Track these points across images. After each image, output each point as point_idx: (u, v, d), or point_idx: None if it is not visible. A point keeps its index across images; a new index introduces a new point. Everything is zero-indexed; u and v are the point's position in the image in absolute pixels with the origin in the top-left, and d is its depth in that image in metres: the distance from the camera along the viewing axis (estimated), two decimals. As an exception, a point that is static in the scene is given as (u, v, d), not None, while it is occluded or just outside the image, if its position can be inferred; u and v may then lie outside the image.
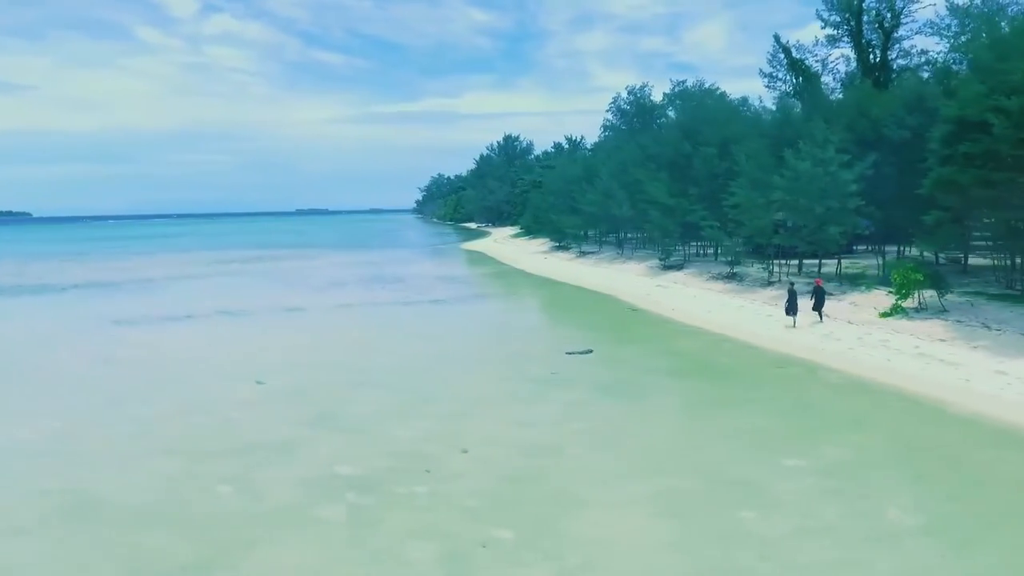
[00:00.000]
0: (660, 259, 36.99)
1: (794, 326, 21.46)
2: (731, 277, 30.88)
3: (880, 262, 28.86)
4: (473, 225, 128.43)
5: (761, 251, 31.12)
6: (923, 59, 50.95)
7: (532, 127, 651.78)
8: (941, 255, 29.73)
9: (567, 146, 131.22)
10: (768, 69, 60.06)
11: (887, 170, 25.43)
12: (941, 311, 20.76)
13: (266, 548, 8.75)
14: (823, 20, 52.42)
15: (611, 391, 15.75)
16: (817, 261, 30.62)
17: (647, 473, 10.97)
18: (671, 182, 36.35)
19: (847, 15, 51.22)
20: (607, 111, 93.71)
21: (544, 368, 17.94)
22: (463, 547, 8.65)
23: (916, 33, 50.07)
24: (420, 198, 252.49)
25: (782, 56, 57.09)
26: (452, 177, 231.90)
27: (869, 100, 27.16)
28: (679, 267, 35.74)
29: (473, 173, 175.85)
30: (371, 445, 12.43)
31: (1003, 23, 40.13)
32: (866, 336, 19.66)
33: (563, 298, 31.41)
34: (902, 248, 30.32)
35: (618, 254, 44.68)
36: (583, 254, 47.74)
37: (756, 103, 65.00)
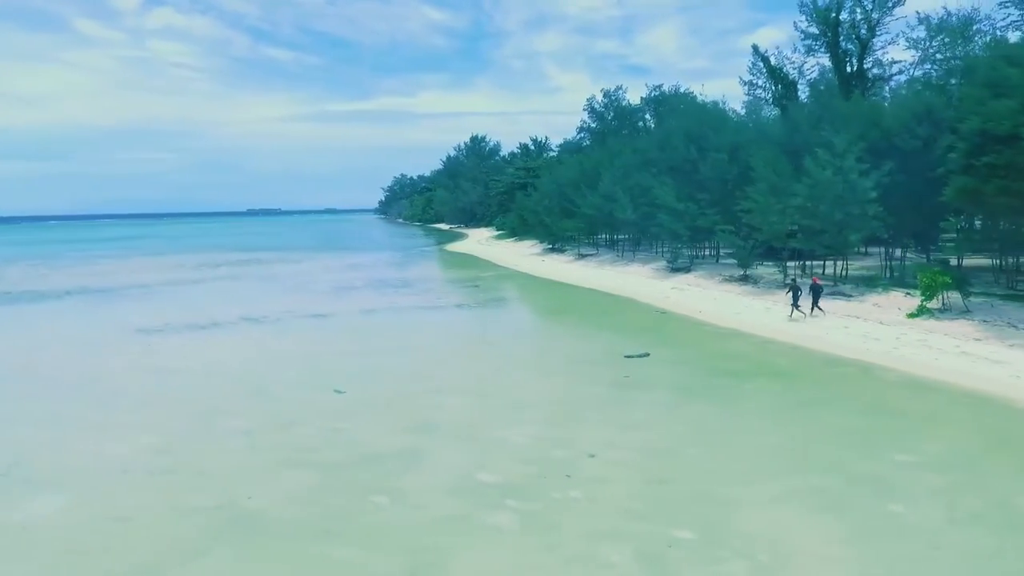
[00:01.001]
0: (668, 262, 38.00)
1: (792, 318, 24.14)
2: (744, 279, 32.07)
3: (888, 264, 30.49)
4: (445, 226, 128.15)
5: (774, 253, 32.43)
6: (897, 69, 54.03)
7: (489, 127, 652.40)
8: (932, 256, 31.86)
9: (532, 148, 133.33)
10: (748, 77, 62.46)
11: (898, 177, 26.88)
12: (964, 312, 22.18)
13: (465, 556, 9.03)
14: (802, 32, 55.01)
15: (692, 393, 16.41)
16: (820, 262, 32.27)
17: (776, 472, 11.62)
18: (677, 187, 37.37)
19: (824, 27, 53.70)
20: (584, 110, 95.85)
21: (612, 371, 18.48)
22: (651, 547, 9.12)
23: (890, 43, 52.88)
24: (383, 198, 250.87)
25: (761, 64, 59.80)
26: (415, 177, 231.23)
27: (880, 111, 28.53)
28: (686, 270, 36.80)
29: (441, 173, 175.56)
30: (496, 452, 12.74)
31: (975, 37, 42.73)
32: (903, 336, 20.88)
33: (585, 301, 31.96)
34: (904, 251, 32.03)
35: (618, 256, 45.58)
36: (582, 256, 48.47)
37: (728, 107, 67.84)
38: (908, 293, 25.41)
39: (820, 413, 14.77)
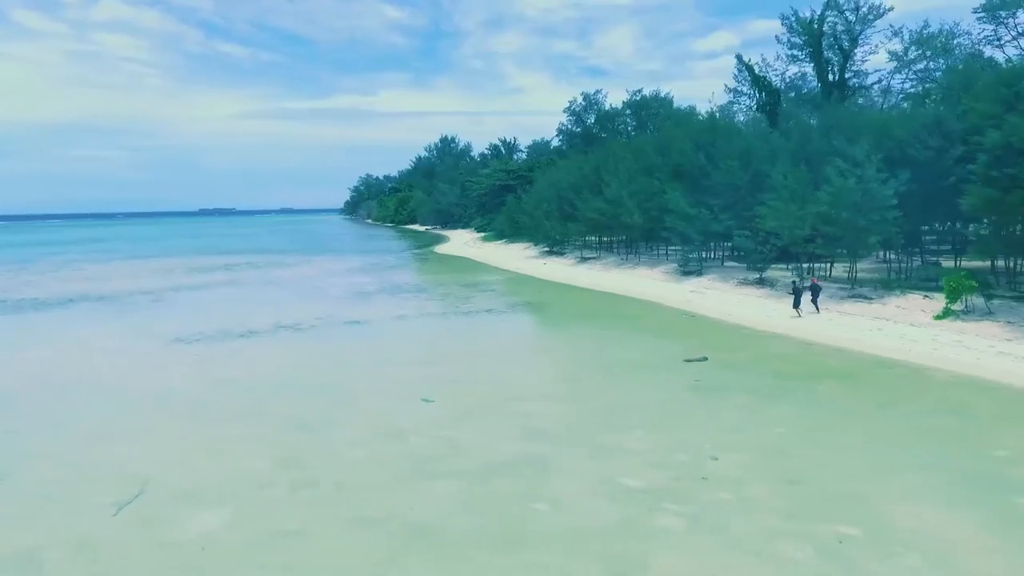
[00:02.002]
0: (680, 265, 39.09)
1: (799, 316, 26.51)
2: (761, 282, 33.33)
3: (899, 266, 32.13)
4: (420, 227, 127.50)
5: (784, 257, 33.79)
6: (876, 78, 56.63)
7: (452, 127, 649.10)
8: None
9: (503, 149, 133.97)
10: (733, 85, 64.48)
11: (911, 186, 28.41)
12: (987, 314, 23.71)
13: (659, 559, 9.53)
14: (786, 42, 57.19)
15: (770, 396, 17.23)
16: (823, 265, 33.87)
17: (893, 470, 12.46)
18: (685, 192, 38.44)
19: (808, 38, 55.92)
20: (564, 112, 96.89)
21: (679, 375, 19.21)
22: (824, 544, 9.80)
23: (871, 54, 55.35)
24: (349, 199, 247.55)
25: (746, 73, 61.78)
26: (381, 177, 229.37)
27: (893, 122, 30.06)
28: (698, 273, 37.94)
29: (411, 174, 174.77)
30: (620, 457, 13.26)
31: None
32: (938, 337, 22.22)
33: (609, 305, 32.68)
34: (900, 254, 33.77)
35: (622, 260, 46.52)
36: (584, 260, 49.26)
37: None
38: (926, 295, 26.96)
39: (899, 413, 15.77)
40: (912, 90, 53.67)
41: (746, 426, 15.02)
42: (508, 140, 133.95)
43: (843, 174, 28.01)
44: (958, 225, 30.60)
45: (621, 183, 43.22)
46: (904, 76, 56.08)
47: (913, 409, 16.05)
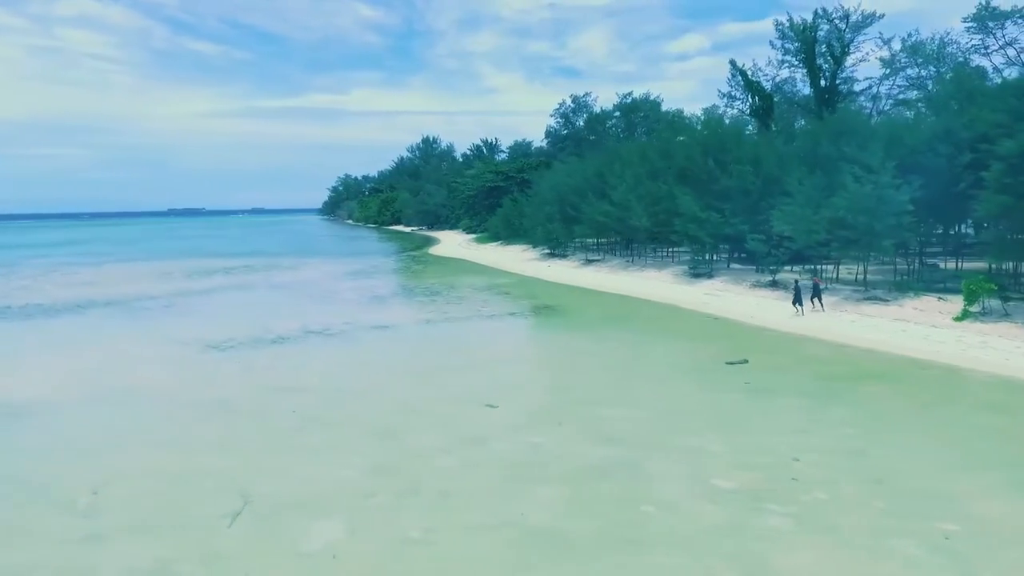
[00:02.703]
0: (690, 267, 39.86)
1: (801, 315, 27.94)
2: (774, 284, 34.21)
3: (909, 268, 33.27)
4: (405, 228, 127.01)
5: (798, 259, 34.75)
6: (867, 84, 58.27)
7: (426, 126, 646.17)
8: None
9: (485, 150, 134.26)
10: (726, 89, 65.75)
11: (921, 191, 29.48)
12: (1004, 315, 24.79)
13: (783, 558, 10.01)
14: (780, 48, 58.50)
15: (820, 398, 17.86)
16: (830, 266, 34.98)
17: (967, 467, 13.13)
18: (695, 196, 39.20)
19: (801, 44, 57.30)
20: (551, 116, 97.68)
21: (727, 378, 19.80)
22: (931, 540, 10.38)
23: (861, 61, 57.05)
24: (328, 199, 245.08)
25: (740, 78, 63.05)
26: (360, 177, 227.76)
27: (904, 130, 31.14)
28: (708, 275, 38.74)
29: (392, 174, 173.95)
30: (704, 460, 13.71)
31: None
32: (962, 339, 23.15)
33: (630, 308, 33.21)
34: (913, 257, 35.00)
35: (628, 262, 47.18)
36: (589, 262, 49.82)
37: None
38: (940, 298, 28.05)
39: (951, 413, 16.53)
40: (902, 96, 55.61)
41: (812, 427, 15.62)
42: (490, 141, 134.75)
43: (859, 180, 28.96)
44: (964, 229, 31.79)
45: (628, 187, 43.82)
46: (892, 82, 58.11)
47: (962, 409, 16.83)
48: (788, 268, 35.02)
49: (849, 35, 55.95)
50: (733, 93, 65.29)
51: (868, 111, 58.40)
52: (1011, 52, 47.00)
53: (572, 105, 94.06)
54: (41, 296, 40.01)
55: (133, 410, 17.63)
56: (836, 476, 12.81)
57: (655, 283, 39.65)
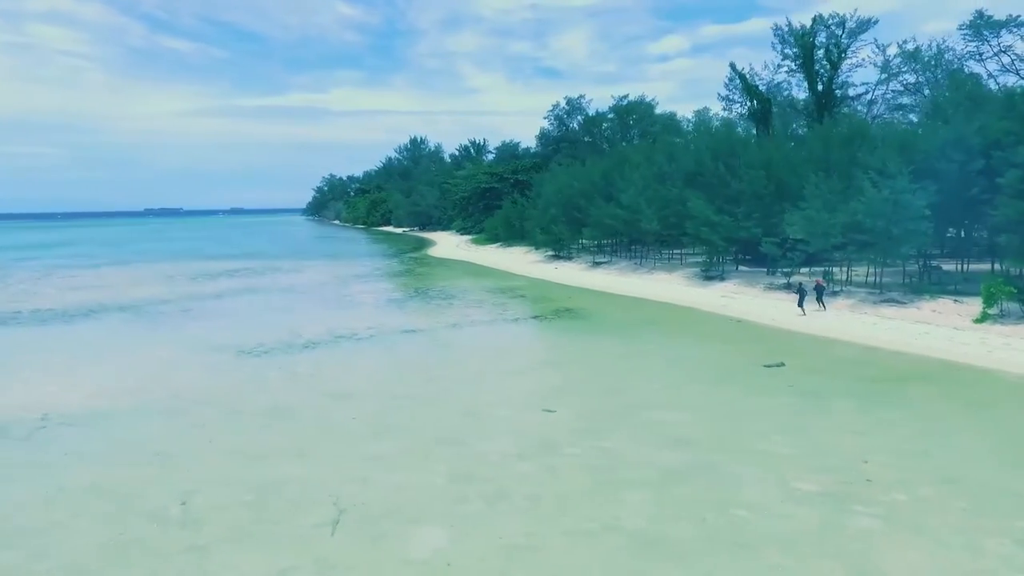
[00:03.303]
0: (702, 270, 40.44)
1: (804, 314, 29.30)
2: (788, 287, 34.84)
3: (920, 271, 34.12)
4: (396, 229, 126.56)
5: (809, 261, 35.47)
6: (864, 90, 59.50)
7: (407, 126, 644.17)
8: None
9: (473, 151, 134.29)
10: (724, 92, 66.66)
11: (936, 196, 30.32)
12: (1022, 317, 25.65)
13: (887, 557, 10.39)
14: (779, 52, 59.45)
15: (867, 399, 18.33)
16: (835, 268, 35.81)
17: (1030, 467, 13.72)
18: (706, 199, 39.78)
19: (800, 49, 58.31)
20: (545, 118, 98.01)
21: (770, 381, 20.26)
22: (1022, 538, 10.87)
23: (857, 66, 58.30)
24: (312, 199, 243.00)
25: (738, 81, 64.00)
26: (345, 178, 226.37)
27: (917, 137, 31.97)
28: (720, 278, 39.36)
29: (379, 174, 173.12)
30: (779, 462, 14.06)
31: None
32: (986, 340, 23.88)
33: (650, 311, 33.59)
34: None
35: (635, 264, 47.68)
36: (597, 264, 50.24)
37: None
38: (956, 300, 28.87)
39: (995, 414, 17.13)
40: (897, 101, 56.91)
41: (869, 429, 16.09)
42: (477, 141, 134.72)
43: (876, 185, 29.69)
44: (967, 233, 32.70)
45: (638, 190, 44.31)
46: (886, 88, 59.41)
47: (1008, 410, 17.44)
48: (800, 271, 35.76)
49: (846, 40, 57.25)
50: (731, 96, 66.52)
51: (862, 115, 59.82)
52: (1005, 59, 48.45)
53: (566, 107, 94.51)
54: (48, 301, 39.39)
55: (194, 419, 17.57)
56: (908, 477, 13.26)
57: (668, 285, 40.16)
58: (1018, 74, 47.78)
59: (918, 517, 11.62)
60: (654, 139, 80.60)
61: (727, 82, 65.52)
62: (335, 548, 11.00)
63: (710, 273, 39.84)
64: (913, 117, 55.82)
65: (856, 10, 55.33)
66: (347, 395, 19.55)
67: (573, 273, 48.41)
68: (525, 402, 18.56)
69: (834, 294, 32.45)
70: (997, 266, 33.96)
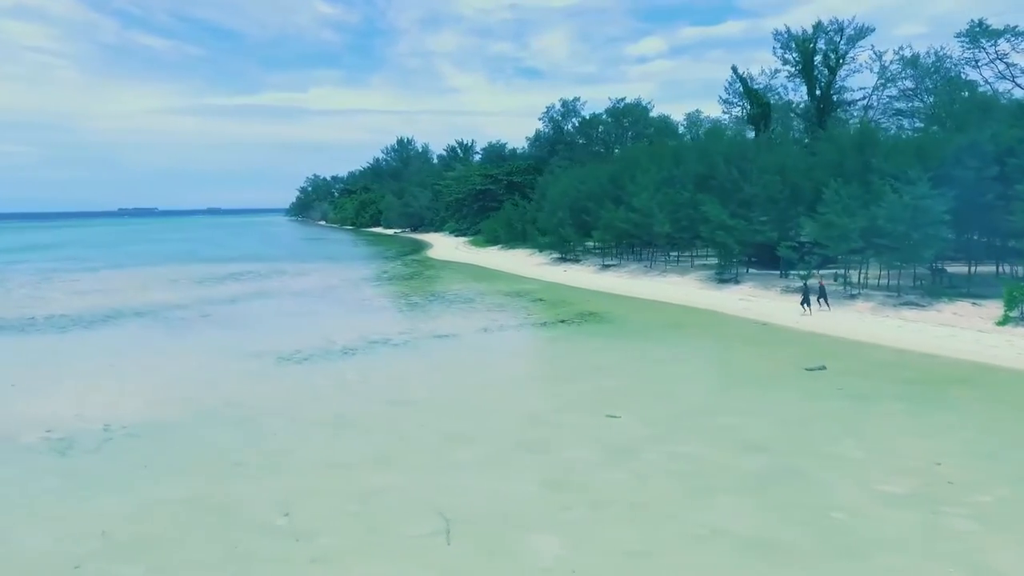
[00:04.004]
0: (716, 273, 41.05)
1: (809, 314, 30.81)
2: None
3: (917, 273, 35.02)
4: (387, 231, 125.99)
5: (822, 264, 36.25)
6: (861, 95, 60.77)
7: (385, 126, 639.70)
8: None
9: (460, 151, 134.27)
10: (725, 96, 67.59)
11: (953, 203, 31.21)
12: (1042, 319, 26.57)
13: (1001, 557, 10.85)
14: (781, 59, 60.46)
15: (915, 402, 18.92)
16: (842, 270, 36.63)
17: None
18: (716, 203, 40.41)
19: (800, 55, 59.37)
20: (540, 120, 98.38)
21: (819, 384, 20.76)
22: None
23: (855, 72, 59.56)
24: (296, 200, 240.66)
25: (739, 85, 64.96)
26: (329, 178, 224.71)
27: (933, 144, 32.88)
28: (735, 280, 40.01)
29: (365, 175, 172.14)
30: (857, 466, 14.48)
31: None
32: (1013, 342, 24.68)
33: (673, 315, 34.03)
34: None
35: (646, 267, 48.20)
36: (606, 267, 50.67)
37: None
38: (974, 303, 29.76)
39: (1047, 414, 17.84)
40: (894, 106, 58.28)
41: (930, 432, 16.63)
42: (464, 142, 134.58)
43: (897, 191, 30.49)
44: (983, 238, 33.69)
45: (649, 193, 44.81)
46: (881, 93, 60.78)
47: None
48: (813, 273, 36.53)
49: (844, 47, 58.46)
50: (731, 99, 67.57)
51: (858, 120, 61.19)
52: (999, 66, 49.89)
53: (561, 109, 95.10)
54: (59, 306, 38.69)
55: (261, 428, 17.55)
56: (984, 478, 13.77)
57: (683, 288, 40.70)
58: (1013, 81, 49.34)
59: (1009, 517, 12.11)
60: (650, 141, 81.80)
61: (727, 85, 66.70)
62: (456, 557, 11.16)
63: (724, 276, 40.46)
64: (906, 123, 57.50)
65: (855, 17, 56.67)
66: (406, 403, 19.64)
67: (583, 276, 48.80)
68: (585, 408, 18.82)
69: (852, 297, 33.25)
70: (1004, 268, 35.13)
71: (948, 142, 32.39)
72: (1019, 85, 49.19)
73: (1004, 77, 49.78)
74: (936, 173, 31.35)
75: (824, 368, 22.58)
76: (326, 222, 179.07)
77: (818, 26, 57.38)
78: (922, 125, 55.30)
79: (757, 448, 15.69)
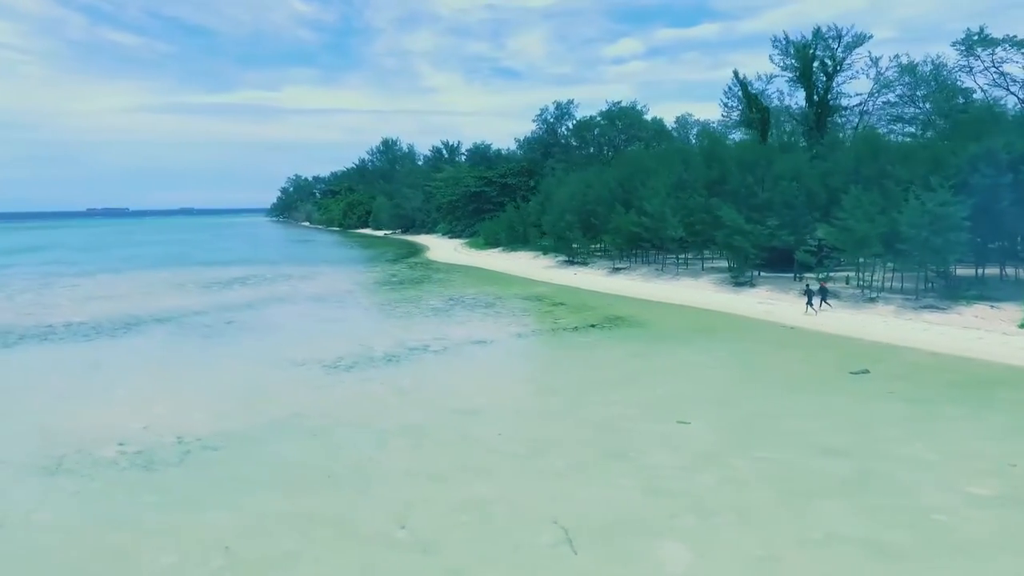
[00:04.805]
0: (732, 276, 41.78)
1: (813, 314, 32.53)
2: (823, 293, 36.38)
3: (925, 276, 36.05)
4: (377, 232, 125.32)
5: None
6: (858, 101, 62.19)
7: (362, 125, 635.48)
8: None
9: (445, 152, 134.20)
10: (725, 99, 68.58)
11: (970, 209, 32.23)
12: (1061, 321, 27.65)
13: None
14: (780, 65, 61.58)
15: (971, 404, 19.61)
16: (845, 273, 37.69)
17: None
18: (728, 208, 41.15)
19: (799, 61, 60.55)
20: (534, 121, 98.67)
21: (868, 387, 21.37)
22: None
23: (851, 78, 60.97)
24: (277, 200, 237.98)
25: (739, 89, 66.00)
26: (311, 178, 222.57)
27: (948, 152, 33.90)
28: (751, 284, 40.77)
29: (349, 175, 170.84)
30: (936, 468, 15.00)
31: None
32: (1040, 344, 25.75)
33: (697, 319, 34.52)
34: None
35: (657, 270, 48.79)
36: (617, 270, 51.18)
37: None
38: (992, 305, 30.80)
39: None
40: (890, 112, 59.79)
41: (993, 434, 17.22)
42: (450, 143, 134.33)
43: (919, 197, 31.42)
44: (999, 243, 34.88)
45: (662, 199, 45.41)
46: (875, 100, 62.32)
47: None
48: (830, 277, 37.50)
49: (841, 54, 59.84)
50: (730, 103, 68.58)
51: (854, 126, 62.76)
52: (993, 73, 51.49)
53: (555, 112, 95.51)
54: (72, 314, 37.95)
55: (336, 438, 17.58)
56: (1065, 480, 14.44)
57: (699, 291, 41.35)
58: (1007, 89, 50.97)
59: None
60: (646, 144, 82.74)
61: (727, 89, 67.72)
62: (589, 567, 11.40)
63: (740, 280, 41.19)
64: (897, 128, 59.10)
65: (853, 25, 57.93)
66: (472, 411, 19.77)
67: (595, 279, 49.24)
68: (653, 415, 19.16)
69: (871, 301, 34.15)
70: (1007, 271, 36.35)
71: (963, 150, 33.38)
72: (1012, 93, 50.89)
73: (998, 85, 51.45)
74: (954, 180, 32.37)
75: (868, 372, 23.24)
76: (310, 223, 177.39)
77: (817, 33, 58.64)
78: (917, 131, 57.10)
79: (835, 452, 16.16)
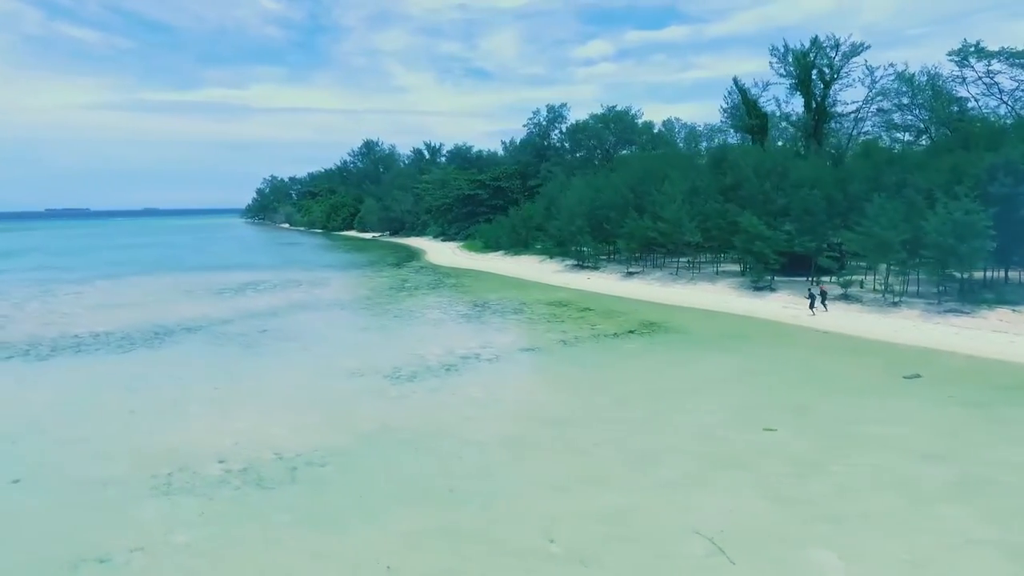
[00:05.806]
0: (752, 280, 42.70)
1: (813, 314, 34.77)
2: (847, 298, 37.53)
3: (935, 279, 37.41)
4: (364, 235, 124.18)
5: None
6: (852, 106, 63.95)
7: (331, 124, 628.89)
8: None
9: (427, 153, 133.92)
10: (725, 105, 69.88)
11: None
12: (1085, 324, 29.04)
13: None
14: (780, 73, 63.03)
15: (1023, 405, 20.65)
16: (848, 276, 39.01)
17: None
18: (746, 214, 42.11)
19: (798, 69, 62.06)
20: (525, 126, 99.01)
21: (926, 391, 22.22)
22: None
23: (848, 87, 62.74)
24: (252, 201, 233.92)
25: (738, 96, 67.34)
26: (287, 179, 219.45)
27: (967, 162, 35.27)
28: (771, 288, 41.74)
29: (328, 177, 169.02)
30: (1013, 474, 15.90)
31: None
32: (1071, 347, 27.01)
33: (728, 323, 35.18)
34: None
35: (672, 275, 49.54)
36: (630, 274, 51.80)
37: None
38: (1014, 309, 32.16)
39: None
40: (886, 119, 61.69)
41: (1068, 437, 18.21)
42: (432, 144, 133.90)
43: (946, 206, 32.64)
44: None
45: (678, 204, 46.17)
46: (870, 107, 64.22)
47: None
48: (851, 280, 38.66)
49: (839, 62, 61.54)
50: (728, 109, 69.93)
51: (850, 132, 64.66)
52: (987, 81, 53.52)
53: (548, 115, 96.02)
54: (92, 324, 36.96)
55: (440, 450, 17.65)
56: None
57: (720, 296, 42.14)
58: (1000, 98, 53.04)
59: None
60: (643, 148, 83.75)
61: (725, 95, 69.09)
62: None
63: (759, 284, 42.14)
64: (886, 135, 61.09)
65: (851, 35, 59.60)
66: (559, 421, 20.00)
67: (609, 283, 49.77)
68: (738, 422, 19.63)
69: (894, 305, 35.30)
70: (1011, 274, 37.94)
71: (979, 160, 34.76)
72: (1005, 102, 52.97)
73: (990, 94, 53.48)
74: (975, 189, 33.70)
75: (919, 376, 24.12)
76: (291, 225, 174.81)
77: (815, 42, 60.23)
78: (912, 137, 59.07)
79: (931, 457, 16.83)
